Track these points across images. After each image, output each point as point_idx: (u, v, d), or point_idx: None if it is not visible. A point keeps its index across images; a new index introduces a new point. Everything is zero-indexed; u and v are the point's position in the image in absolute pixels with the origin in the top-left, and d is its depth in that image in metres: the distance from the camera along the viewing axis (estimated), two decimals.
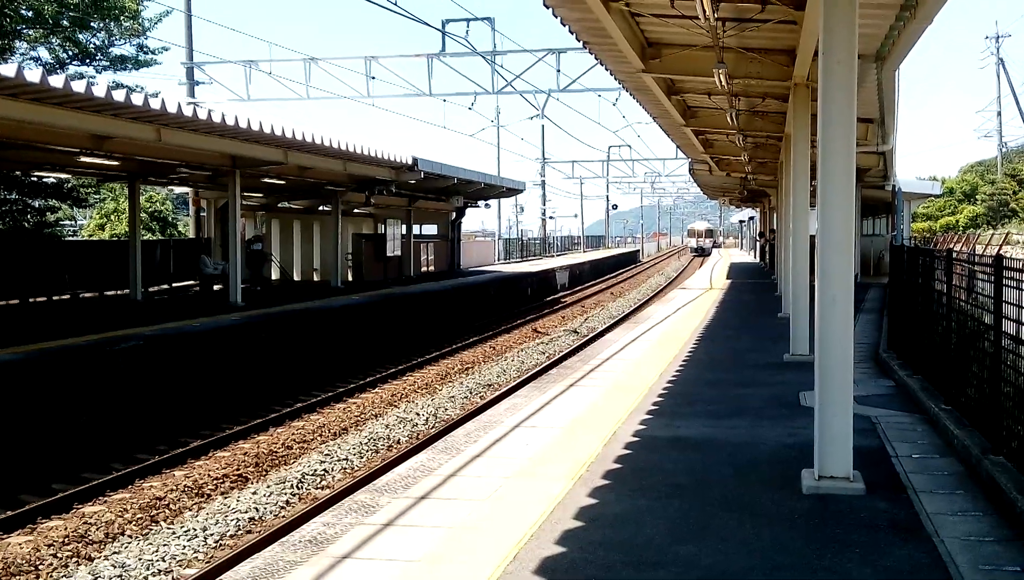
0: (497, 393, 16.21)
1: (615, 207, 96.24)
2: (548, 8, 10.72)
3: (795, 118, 13.84)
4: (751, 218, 68.53)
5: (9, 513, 9.93)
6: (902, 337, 12.61)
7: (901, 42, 10.54)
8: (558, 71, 28.63)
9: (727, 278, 35.24)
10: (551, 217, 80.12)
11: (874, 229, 35.88)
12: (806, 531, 5.96)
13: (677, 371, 12.77)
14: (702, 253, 79.18)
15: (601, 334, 23.83)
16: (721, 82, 12.82)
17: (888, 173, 25.72)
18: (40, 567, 8.60)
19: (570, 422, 9.46)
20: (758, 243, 53.34)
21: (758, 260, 51.35)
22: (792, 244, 15.54)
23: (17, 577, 8.39)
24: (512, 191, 44.54)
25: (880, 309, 19.58)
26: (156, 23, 30.97)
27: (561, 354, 20.82)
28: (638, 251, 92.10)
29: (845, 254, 6.88)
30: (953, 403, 8.75)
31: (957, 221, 63.04)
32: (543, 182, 69.52)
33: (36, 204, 29.10)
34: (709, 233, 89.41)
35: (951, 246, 12.85)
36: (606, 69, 15.02)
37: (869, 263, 32.75)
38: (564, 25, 11.66)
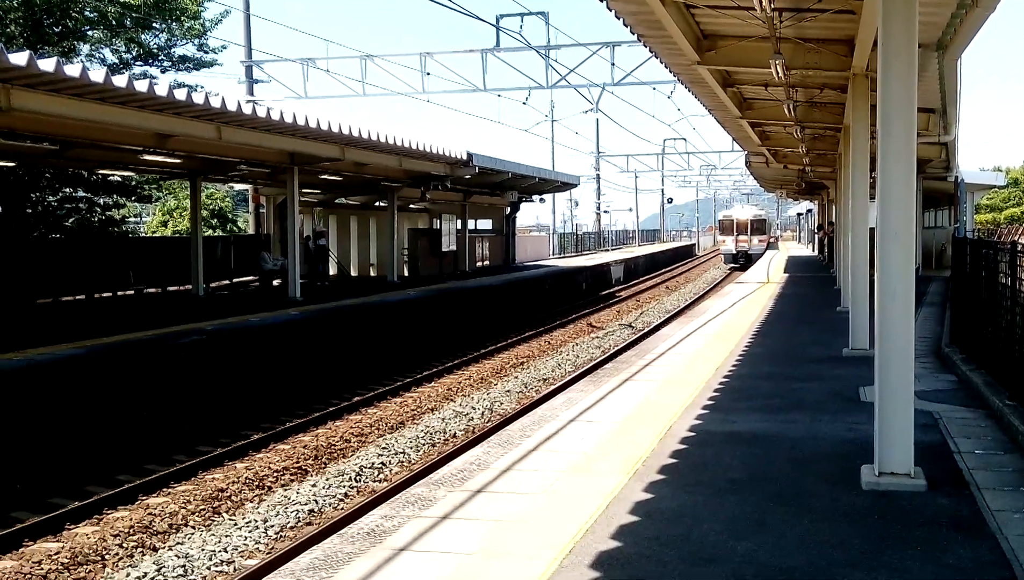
0: (552, 387, 16.23)
1: (670, 201, 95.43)
2: (602, 1, 10.70)
3: (854, 109, 13.63)
4: (809, 211, 67.47)
5: (77, 504, 10.20)
6: (965, 331, 12.37)
7: (963, 30, 10.31)
8: (612, 64, 28.56)
9: (784, 272, 34.80)
10: (605, 211, 79.86)
11: (936, 221, 35.18)
12: (866, 527, 5.89)
13: (733, 366, 12.66)
14: (745, 263, 49.10)
15: (656, 328, 23.74)
16: (778, 73, 12.67)
17: (950, 164, 25.17)
18: (107, 557, 8.82)
19: (625, 417, 9.45)
20: (816, 236, 52.49)
21: (816, 253, 50.63)
22: (851, 237, 15.31)
23: (85, 566, 8.62)
24: (566, 185, 44.49)
25: (942, 303, 19.20)
26: (216, 23, 31.48)
27: (616, 348, 20.78)
28: (694, 245, 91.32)
29: (906, 247, 6.77)
30: (1018, 398, 8.55)
31: (1022, 212, 61.51)
32: (597, 176, 69.31)
33: (101, 201, 29.76)
34: (758, 226, 54.10)
35: (1016, 238, 12.56)
36: (661, 62, 14.93)
37: (931, 256, 32.13)
38: (618, 18, 11.61)
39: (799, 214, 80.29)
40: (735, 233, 53.33)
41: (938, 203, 33.71)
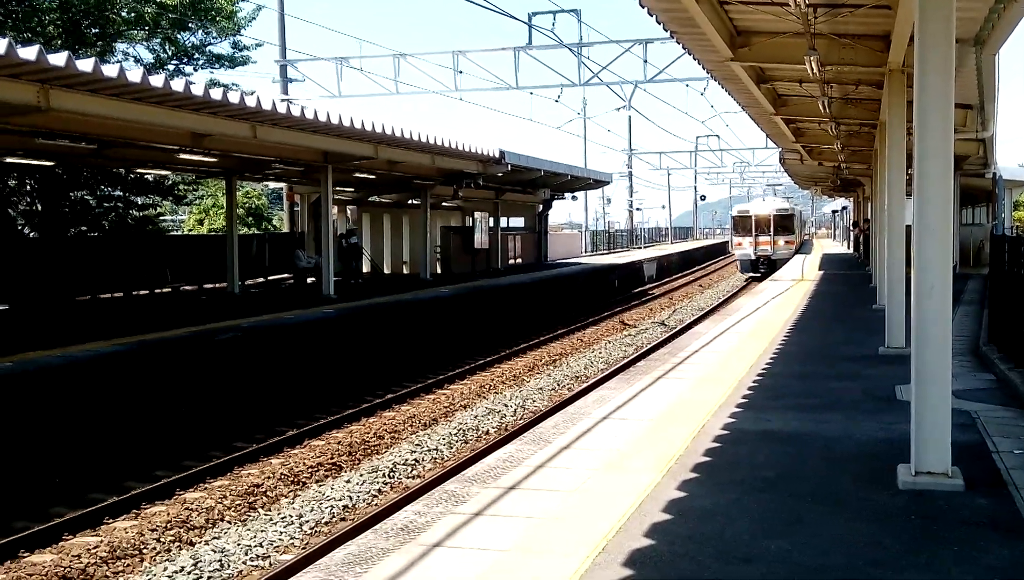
0: (585, 385, 16.22)
1: (703, 198, 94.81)
2: None
3: (890, 105, 13.50)
4: (844, 208, 66.75)
5: (115, 499, 10.33)
6: (1004, 330, 12.20)
7: (1001, 24, 10.18)
8: (645, 61, 28.45)
9: (819, 269, 34.51)
10: (638, 209, 79.62)
11: (974, 218, 34.77)
12: (901, 527, 5.84)
13: (767, 364, 12.59)
14: (767, 271, 37.76)
15: (689, 326, 23.64)
16: (813, 70, 12.58)
17: (988, 160, 24.85)
18: (144, 551, 8.94)
19: (658, 414, 9.43)
20: (852, 233, 51.95)
21: (851, 251, 50.16)
22: (888, 234, 15.17)
23: (123, 560, 8.74)
24: (599, 183, 44.43)
25: (980, 301, 18.96)
26: (250, 20, 31.71)
27: (649, 346, 20.72)
28: (727, 242, 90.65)
29: (943, 243, 6.70)
30: None
31: None
32: (630, 173, 69.13)
33: (139, 201, 30.11)
34: (783, 223, 41.08)
35: None
36: (694, 59, 14.86)
37: (968, 253, 31.74)
38: (651, 15, 11.58)
39: (834, 211, 79.33)
40: (753, 233, 40.60)
41: (976, 200, 33.31)
